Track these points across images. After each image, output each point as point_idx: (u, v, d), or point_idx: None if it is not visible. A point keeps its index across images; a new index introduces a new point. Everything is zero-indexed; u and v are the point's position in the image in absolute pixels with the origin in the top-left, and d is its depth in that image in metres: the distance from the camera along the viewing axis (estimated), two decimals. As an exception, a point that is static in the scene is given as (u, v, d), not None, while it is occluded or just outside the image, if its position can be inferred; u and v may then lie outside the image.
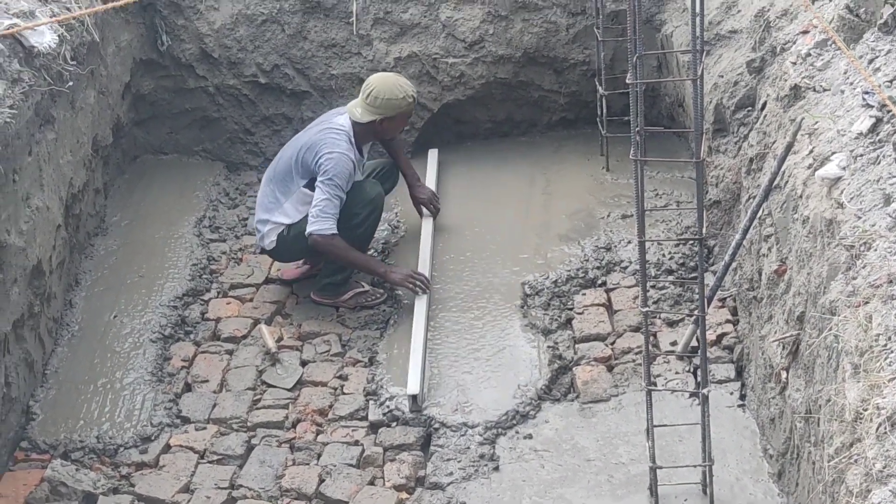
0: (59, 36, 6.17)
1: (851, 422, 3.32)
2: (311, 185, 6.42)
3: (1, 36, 5.60)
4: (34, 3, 6.20)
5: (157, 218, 7.37)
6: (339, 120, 6.51)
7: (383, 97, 6.38)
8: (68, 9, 6.45)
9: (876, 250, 3.81)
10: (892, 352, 3.29)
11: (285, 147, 6.77)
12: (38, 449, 5.53)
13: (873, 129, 4.54)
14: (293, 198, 6.49)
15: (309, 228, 6.26)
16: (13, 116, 5.50)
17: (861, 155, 4.45)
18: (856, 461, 3.14)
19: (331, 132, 6.44)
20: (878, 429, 3.05)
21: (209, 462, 5.48)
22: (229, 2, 7.67)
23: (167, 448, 5.56)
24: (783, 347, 4.83)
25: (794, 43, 5.71)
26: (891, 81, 4.72)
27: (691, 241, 6.36)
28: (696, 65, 4.40)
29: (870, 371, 3.33)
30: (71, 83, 6.34)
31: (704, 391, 4.77)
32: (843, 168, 4.48)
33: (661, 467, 4.86)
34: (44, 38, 5.96)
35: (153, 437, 5.61)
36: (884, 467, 2.95)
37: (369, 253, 6.79)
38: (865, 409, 3.24)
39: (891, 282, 3.53)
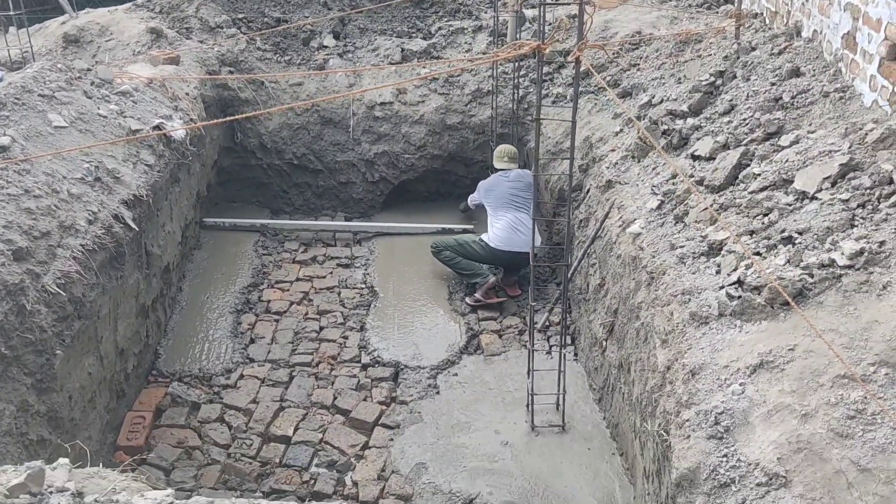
0: (184, 132, 6.02)
1: (663, 372, 3.35)
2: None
3: (156, 130, 5.46)
4: (170, 110, 6.05)
5: (231, 240, 7.15)
6: (517, 171, 6.52)
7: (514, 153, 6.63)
8: (191, 118, 6.28)
9: (669, 275, 3.86)
10: (685, 333, 3.33)
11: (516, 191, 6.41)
12: (163, 375, 5.39)
13: (659, 207, 4.61)
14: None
15: None
16: (160, 177, 5.40)
17: (652, 221, 4.52)
18: (668, 395, 3.15)
19: (521, 174, 6.49)
20: (683, 377, 3.08)
21: (267, 385, 5.38)
22: (278, 116, 7.49)
23: (241, 377, 5.44)
24: (604, 327, 4.88)
25: (607, 156, 5.73)
26: (665, 181, 4.82)
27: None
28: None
29: (674, 343, 3.36)
30: (189, 158, 6.22)
31: (557, 350, 4.79)
32: (642, 228, 4.54)
33: (536, 394, 4.87)
34: (177, 132, 5.80)
35: (233, 370, 5.49)
36: (688, 399, 2.97)
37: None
38: (672, 365, 3.26)
39: (682, 293, 3.56)
